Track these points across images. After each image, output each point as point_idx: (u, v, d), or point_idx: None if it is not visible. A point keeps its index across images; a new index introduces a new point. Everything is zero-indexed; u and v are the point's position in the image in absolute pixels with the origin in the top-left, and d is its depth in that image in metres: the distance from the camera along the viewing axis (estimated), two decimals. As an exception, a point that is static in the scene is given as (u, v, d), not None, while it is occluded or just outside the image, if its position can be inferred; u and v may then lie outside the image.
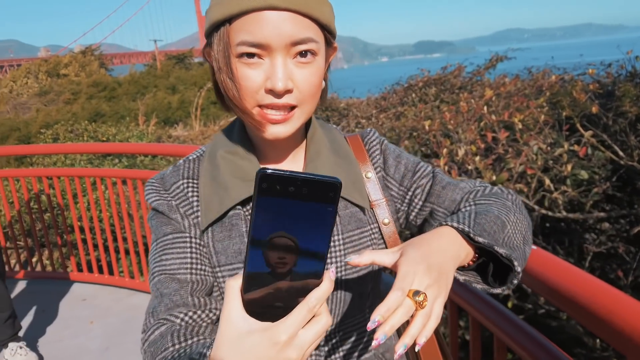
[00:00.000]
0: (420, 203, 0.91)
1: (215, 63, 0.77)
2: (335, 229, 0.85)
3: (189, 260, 0.82)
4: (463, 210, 0.82)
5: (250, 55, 0.73)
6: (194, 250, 0.83)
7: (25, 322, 3.37)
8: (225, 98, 0.79)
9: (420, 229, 0.95)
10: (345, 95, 8.73)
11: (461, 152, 2.73)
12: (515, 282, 0.74)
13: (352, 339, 0.89)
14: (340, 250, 0.86)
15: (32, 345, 3.11)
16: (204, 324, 0.78)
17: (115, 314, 3.43)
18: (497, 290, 0.75)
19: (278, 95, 0.73)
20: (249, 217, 0.83)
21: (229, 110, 0.87)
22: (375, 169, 0.92)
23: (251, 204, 0.51)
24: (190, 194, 0.86)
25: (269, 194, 0.50)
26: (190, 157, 0.91)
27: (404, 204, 0.92)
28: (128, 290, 3.73)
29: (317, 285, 0.54)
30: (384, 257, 0.69)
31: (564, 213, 2.51)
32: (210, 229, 0.84)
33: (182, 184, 0.86)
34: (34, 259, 4.24)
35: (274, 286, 0.53)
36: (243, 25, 0.72)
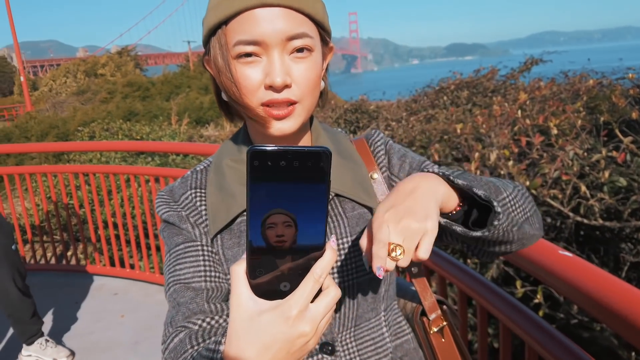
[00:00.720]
0: None
1: (214, 67, 0.78)
2: (344, 230, 0.85)
3: (202, 268, 0.82)
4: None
5: (248, 54, 0.74)
6: (206, 257, 0.83)
7: (59, 314, 3.48)
8: (228, 100, 0.80)
9: None
10: (375, 98, 8.70)
11: (493, 157, 2.68)
12: (496, 223, 0.71)
13: (368, 343, 0.88)
14: (350, 253, 0.84)
15: (65, 337, 3.21)
16: (221, 329, 0.78)
17: (146, 309, 3.50)
18: (477, 233, 0.72)
19: (277, 90, 0.74)
20: None
21: (233, 120, 0.89)
22: (380, 169, 0.92)
23: (245, 186, 0.51)
24: (198, 203, 0.86)
25: (262, 171, 0.50)
26: (198, 168, 0.92)
27: None
28: (158, 286, 3.81)
29: (320, 257, 0.54)
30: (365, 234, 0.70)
31: (601, 221, 2.43)
32: (219, 236, 0.84)
33: (190, 194, 0.87)
34: (69, 253, 4.37)
35: (278, 266, 0.53)
36: (238, 26, 0.73)
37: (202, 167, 0.92)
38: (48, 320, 3.40)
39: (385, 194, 0.90)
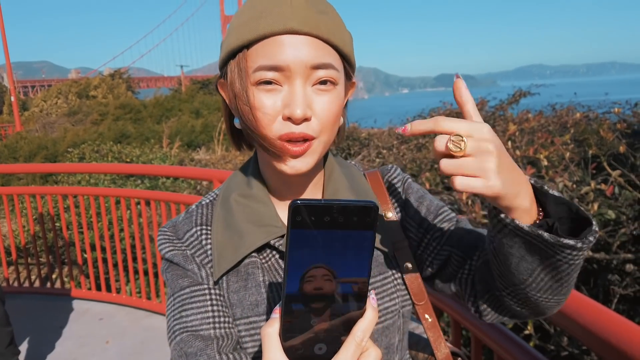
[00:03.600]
0: (438, 247, 0.83)
1: (230, 92, 0.74)
2: None
3: (210, 314, 0.76)
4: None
5: (268, 82, 0.70)
6: (214, 302, 0.77)
7: (41, 339, 3.39)
8: (242, 128, 0.75)
9: (433, 279, 0.86)
10: (366, 125, 8.77)
11: (484, 187, 2.71)
12: (592, 239, 0.61)
13: None
14: None
15: (48, 363, 3.12)
16: None
17: (132, 335, 3.43)
18: (571, 242, 0.60)
19: (296, 122, 0.69)
20: (266, 265, 0.79)
21: (240, 148, 0.85)
22: (395, 208, 0.87)
23: (284, 240, 0.50)
24: (204, 242, 0.81)
25: (304, 226, 0.48)
26: (203, 202, 0.86)
27: (420, 248, 0.85)
28: (145, 312, 3.73)
29: (359, 317, 0.51)
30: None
31: (590, 253, 2.45)
32: (224, 279, 0.79)
33: (196, 231, 0.82)
34: (54, 276, 4.29)
35: (314, 326, 0.51)
36: (261, 50, 0.70)
37: (207, 200, 0.87)
38: (30, 346, 3.31)
39: (400, 235, 0.85)
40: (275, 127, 0.71)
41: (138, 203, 3.76)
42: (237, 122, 0.78)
